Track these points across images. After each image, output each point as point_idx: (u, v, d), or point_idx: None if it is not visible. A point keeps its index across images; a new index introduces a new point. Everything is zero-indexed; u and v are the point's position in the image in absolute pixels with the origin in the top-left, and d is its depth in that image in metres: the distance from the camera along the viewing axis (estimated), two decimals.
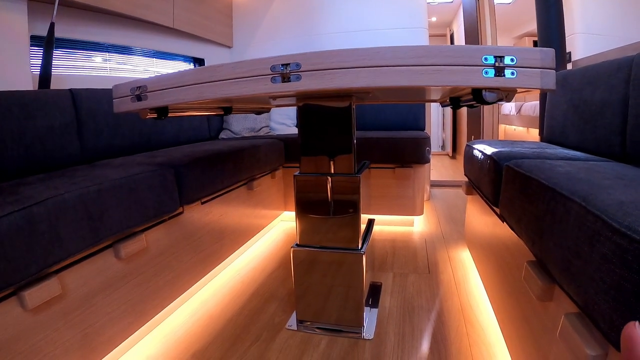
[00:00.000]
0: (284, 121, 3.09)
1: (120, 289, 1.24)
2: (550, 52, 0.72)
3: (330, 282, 1.37)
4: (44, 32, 1.84)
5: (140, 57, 2.68)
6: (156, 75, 1.05)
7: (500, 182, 1.25)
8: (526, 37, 7.09)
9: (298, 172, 1.39)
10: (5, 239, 0.86)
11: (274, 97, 1.24)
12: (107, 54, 2.45)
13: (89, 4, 2.03)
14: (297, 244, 1.40)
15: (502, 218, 1.25)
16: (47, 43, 1.79)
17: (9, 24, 1.70)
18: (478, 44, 3.34)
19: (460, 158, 5.22)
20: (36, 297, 0.95)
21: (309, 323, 1.41)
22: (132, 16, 2.34)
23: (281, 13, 3.37)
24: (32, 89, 1.81)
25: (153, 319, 1.41)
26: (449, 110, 5.80)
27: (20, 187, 1.15)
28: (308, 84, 0.88)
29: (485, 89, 0.82)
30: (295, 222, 1.40)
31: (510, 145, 1.60)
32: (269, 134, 2.98)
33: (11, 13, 1.71)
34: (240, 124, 2.89)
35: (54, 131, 1.69)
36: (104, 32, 2.34)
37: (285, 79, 0.90)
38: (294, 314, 1.48)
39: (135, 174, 1.32)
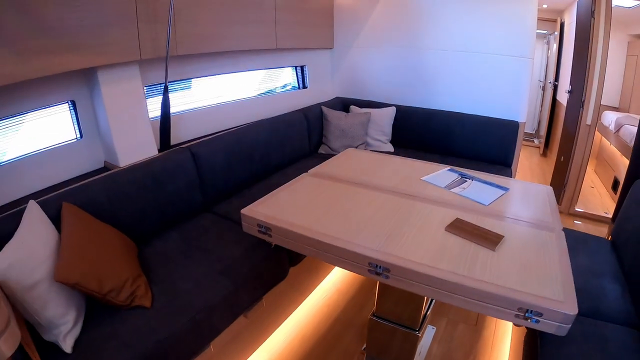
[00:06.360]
0: (379, 137, 3.17)
1: (242, 341, 1.73)
2: None
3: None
4: (156, 80, 2.16)
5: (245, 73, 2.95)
6: (281, 225, 1.41)
7: None
8: None
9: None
10: None
11: None
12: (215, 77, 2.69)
13: (203, 52, 2.28)
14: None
15: None
16: (164, 89, 2.06)
17: (128, 85, 1.98)
18: (588, 41, 3.14)
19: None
20: None
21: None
22: (241, 50, 2.56)
23: (383, 19, 3.24)
24: (150, 132, 2.11)
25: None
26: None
27: (164, 267, 1.61)
28: (393, 283, 1.24)
29: None
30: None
31: None
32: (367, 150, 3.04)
33: (129, 76, 1.97)
34: (339, 141, 3.03)
35: (180, 191, 2.01)
36: (213, 65, 2.57)
37: (378, 274, 1.24)
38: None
39: (237, 257, 1.69)
